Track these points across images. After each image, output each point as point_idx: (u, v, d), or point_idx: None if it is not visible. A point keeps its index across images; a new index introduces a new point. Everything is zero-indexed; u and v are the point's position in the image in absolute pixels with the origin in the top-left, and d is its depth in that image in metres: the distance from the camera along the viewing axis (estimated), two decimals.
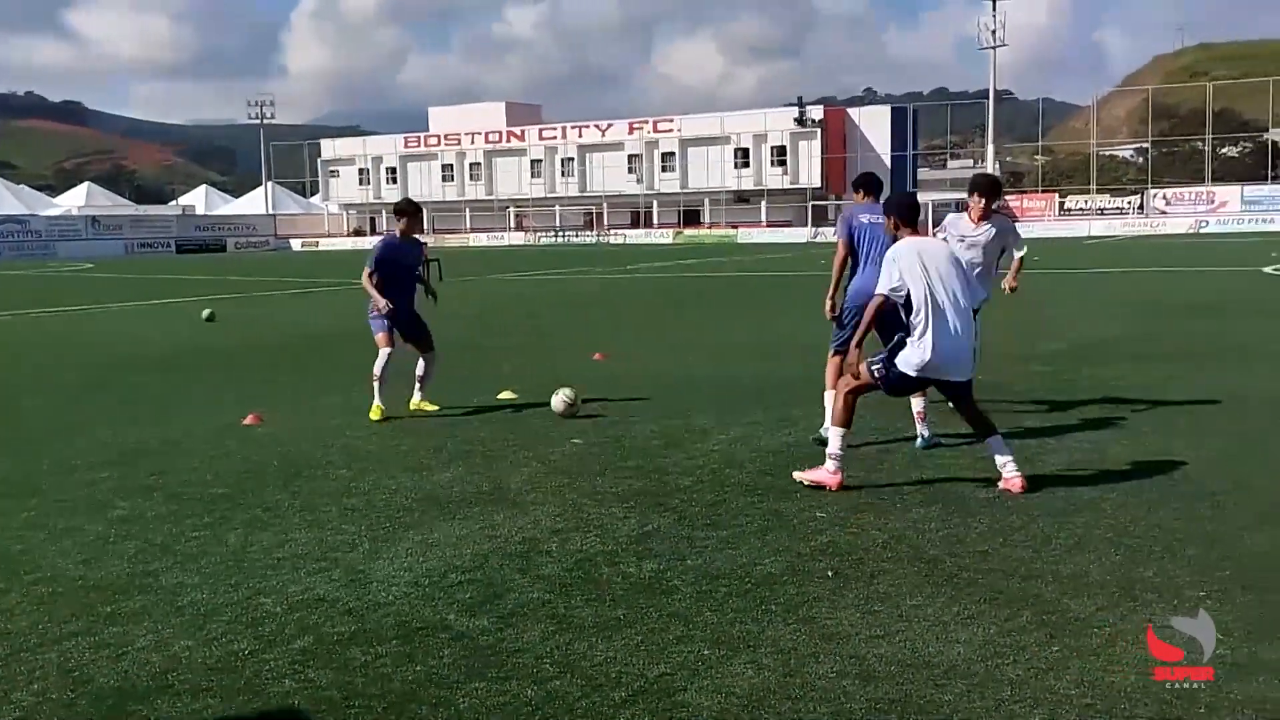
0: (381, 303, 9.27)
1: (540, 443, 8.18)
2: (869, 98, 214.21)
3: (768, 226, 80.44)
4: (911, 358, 6.37)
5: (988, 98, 78.89)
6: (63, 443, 8.71)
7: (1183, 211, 69.93)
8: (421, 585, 5.01)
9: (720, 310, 20.79)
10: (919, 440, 7.67)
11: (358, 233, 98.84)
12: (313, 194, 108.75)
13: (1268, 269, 26.83)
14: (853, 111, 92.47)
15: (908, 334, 6.42)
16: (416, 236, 9.84)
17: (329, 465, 7.63)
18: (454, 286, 30.45)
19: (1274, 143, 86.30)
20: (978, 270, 8.03)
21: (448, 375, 10.41)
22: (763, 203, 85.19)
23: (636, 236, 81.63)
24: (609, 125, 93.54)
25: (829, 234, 74.33)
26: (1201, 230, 64.19)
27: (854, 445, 7.68)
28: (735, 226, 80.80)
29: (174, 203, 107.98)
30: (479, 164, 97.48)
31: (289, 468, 7.58)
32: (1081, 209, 76.28)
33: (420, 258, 9.85)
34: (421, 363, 9.72)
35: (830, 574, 5.00)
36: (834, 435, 6.62)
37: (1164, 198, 73.11)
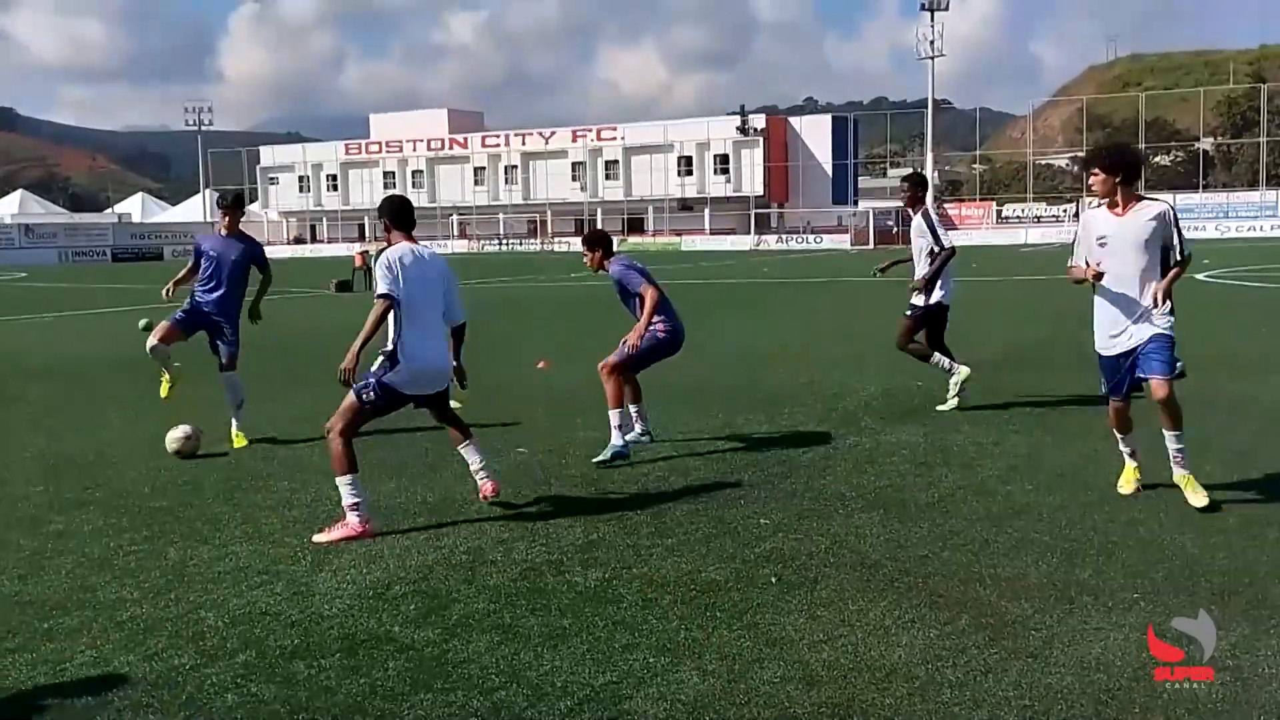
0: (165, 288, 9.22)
1: (484, 452, 8.15)
2: (810, 107, 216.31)
3: (711, 234, 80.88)
4: (402, 372, 6.12)
5: (926, 107, 80.00)
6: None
7: None
8: (366, 597, 4.98)
9: None
10: (634, 438, 7.91)
11: (298, 240, 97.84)
12: (252, 201, 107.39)
13: (1200, 275, 27.45)
14: (794, 120, 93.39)
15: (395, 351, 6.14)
16: (244, 232, 9.10)
17: (270, 477, 7.55)
18: None
19: (1205, 151, 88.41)
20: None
21: None
22: (706, 210, 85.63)
23: (576, 243, 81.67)
24: (552, 133, 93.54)
25: (771, 241, 74.95)
26: None
27: (796, 450, 7.78)
28: (679, 234, 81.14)
29: (109, 210, 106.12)
30: (421, 171, 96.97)
31: (229, 480, 7.49)
32: (1019, 217, 77.59)
33: (246, 258, 8.95)
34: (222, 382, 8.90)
35: (774, 580, 5.05)
36: (342, 485, 6.06)
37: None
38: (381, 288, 6.03)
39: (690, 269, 42.96)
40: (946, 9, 77.17)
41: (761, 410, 9.62)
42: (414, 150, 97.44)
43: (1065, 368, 11.87)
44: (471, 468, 6.48)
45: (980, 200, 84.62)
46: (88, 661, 4.29)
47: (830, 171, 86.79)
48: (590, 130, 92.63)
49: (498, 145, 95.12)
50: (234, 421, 8.83)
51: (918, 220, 9.74)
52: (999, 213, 78.88)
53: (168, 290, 9.28)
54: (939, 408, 9.39)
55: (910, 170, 10.14)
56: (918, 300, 9.55)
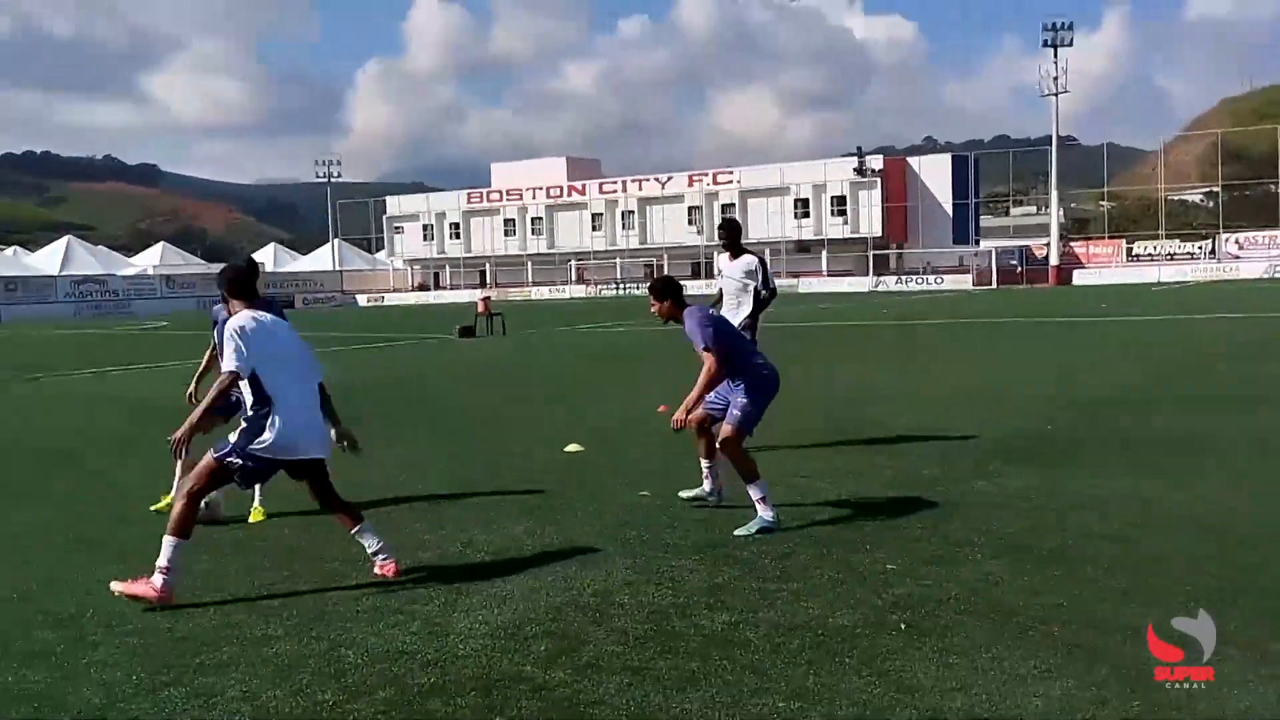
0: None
1: (608, 495, 8.27)
2: (929, 146, 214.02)
3: (829, 276, 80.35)
4: (268, 439, 5.93)
5: (1050, 144, 78.39)
6: (121, 495, 8.94)
7: (1256, 256, 68.74)
8: (498, 637, 5.09)
9: (781, 361, 20.79)
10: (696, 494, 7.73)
11: (422, 287, 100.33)
12: (378, 250, 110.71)
13: None
14: (913, 160, 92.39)
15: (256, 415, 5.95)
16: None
17: (401, 518, 7.76)
18: (519, 339, 30.83)
19: None
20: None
21: (514, 430, 10.52)
22: (823, 252, 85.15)
23: (697, 287, 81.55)
24: (669, 178, 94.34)
25: (890, 282, 74.10)
26: (1277, 275, 62.99)
27: (920, 495, 7.69)
28: (796, 276, 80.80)
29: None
30: (540, 218, 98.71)
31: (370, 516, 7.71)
32: (1150, 254, 75.26)
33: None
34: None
35: (904, 627, 5.00)
36: (166, 545, 5.83)
37: (1236, 242, 71.95)
38: (229, 363, 5.86)
39: (808, 311, 42.74)
40: (1070, 45, 75.67)
41: (884, 453, 9.53)
42: (533, 198, 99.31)
43: (1179, 407, 11.49)
44: (369, 551, 6.18)
45: (1109, 238, 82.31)
46: (238, 695, 4.48)
47: (950, 211, 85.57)
48: (706, 174, 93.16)
49: (615, 191, 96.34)
50: (256, 494, 8.03)
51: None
52: (1129, 250, 76.61)
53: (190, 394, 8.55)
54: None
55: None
56: None
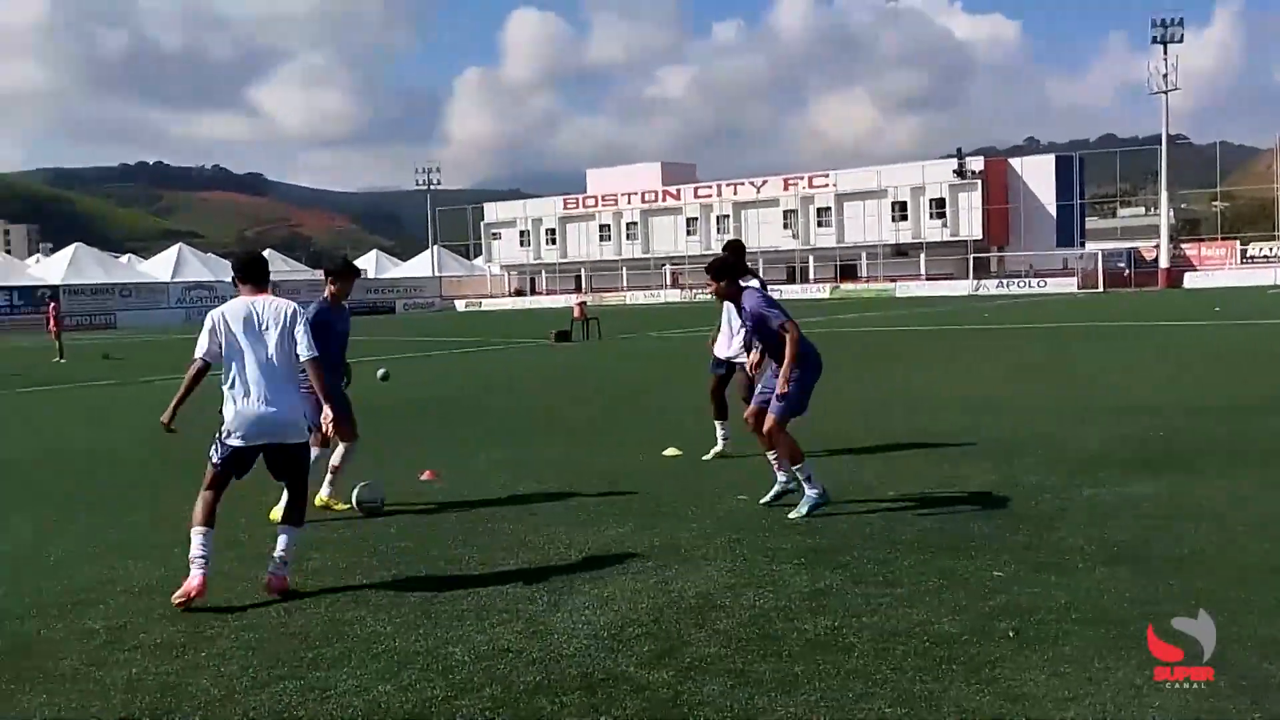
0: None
1: (707, 498, 8.27)
2: (1031, 147, 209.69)
3: (927, 280, 79.17)
4: (226, 426, 6.13)
5: (1160, 143, 76.16)
6: (235, 496, 9.20)
7: None
8: (601, 637, 5.13)
9: (878, 365, 20.56)
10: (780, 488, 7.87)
11: (519, 293, 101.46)
12: (475, 256, 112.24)
13: None
14: (1015, 161, 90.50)
15: None
16: (344, 303, 8.41)
17: (503, 520, 7.87)
18: (614, 344, 30.98)
19: None
20: None
21: (612, 433, 10.60)
22: (921, 255, 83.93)
23: (792, 292, 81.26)
24: (764, 182, 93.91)
25: (991, 286, 72.68)
26: None
27: (1027, 501, 7.55)
28: (893, 280, 79.79)
29: None
30: (635, 223, 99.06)
31: (466, 522, 7.86)
32: (1266, 256, 72.64)
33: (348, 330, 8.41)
34: (341, 451, 8.28)
35: (1012, 634, 4.92)
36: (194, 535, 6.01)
37: None
38: (197, 350, 6.13)
39: (907, 315, 42.19)
40: (1180, 41, 73.45)
41: (988, 459, 9.37)
42: (629, 203, 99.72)
43: None
44: (275, 551, 6.16)
45: (1222, 239, 79.64)
46: (349, 690, 4.59)
47: (1054, 213, 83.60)
48: (802, 178, 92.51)
49: (710, 196, 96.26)
50: (326, 488, 8.29)
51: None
52: (1243, 252, 74.03)
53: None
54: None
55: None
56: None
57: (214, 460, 6.17)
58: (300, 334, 6.27)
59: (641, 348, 29.75)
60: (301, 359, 6.28)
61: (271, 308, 6.33)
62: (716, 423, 10.27)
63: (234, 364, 6.16)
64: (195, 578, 5.88)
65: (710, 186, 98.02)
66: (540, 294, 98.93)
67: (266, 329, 6.22)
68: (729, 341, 10.03)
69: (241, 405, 6.09)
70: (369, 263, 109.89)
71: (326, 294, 8.23)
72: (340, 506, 8.30)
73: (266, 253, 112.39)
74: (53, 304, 36.97)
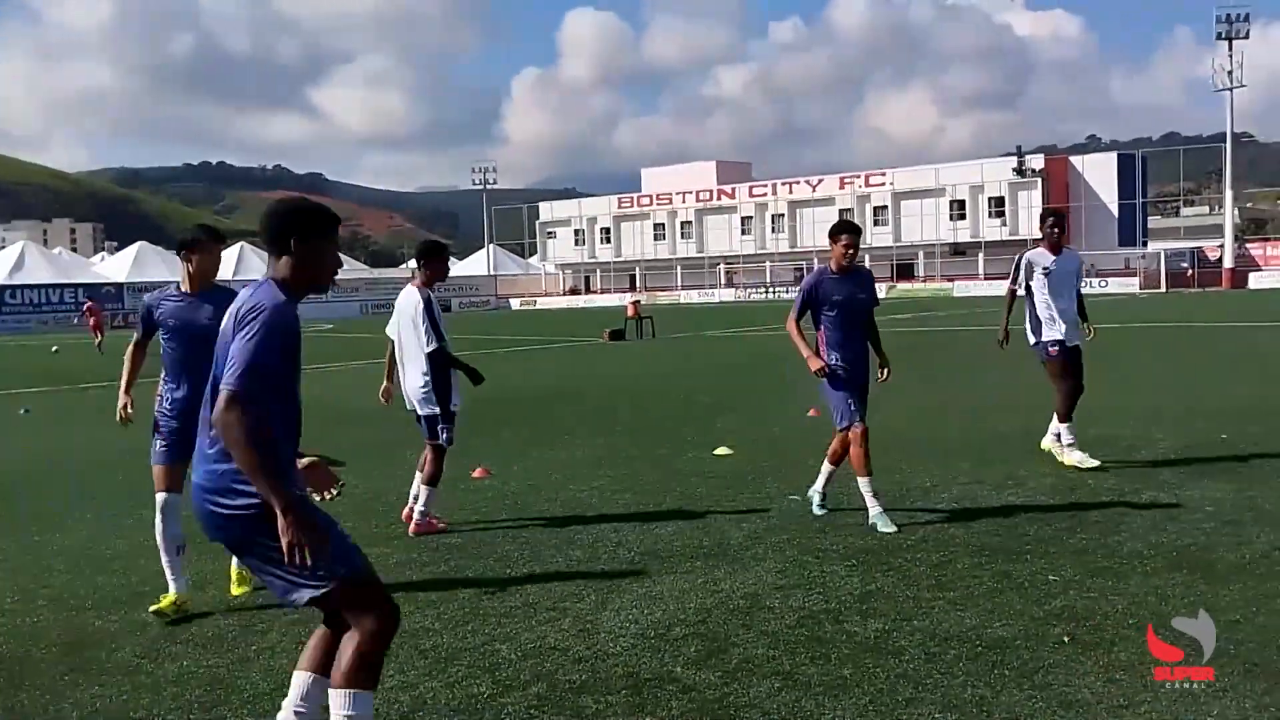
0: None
1: (758, 498, 8.22)
2: (1093, 145, 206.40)
3: (985, 279, 78.20)
4: None
5: (1225, 141, 74.58)
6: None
7: None
8: (648, 637, 5.11)
9: (934, 365, 20.33)
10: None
11: (573, 291, 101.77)
12: (531, 255, 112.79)
13: None
14: (1076, 160, 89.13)
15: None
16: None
17: (554, 518, 7.88)
18: (667, 342, 30.94)
19: None
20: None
21: (663, 432, 10.54)
22: (980, 255, 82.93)
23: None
24: (819, 180, 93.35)
25: None
26: None
27: (1085, 505, 7.42)
28: (951, 279, 78.93)
29: (405, 266, 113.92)
30: (690, 222, 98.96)
31: (516, 520, 7.87)
32: None
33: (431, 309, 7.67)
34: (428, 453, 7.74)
35: (1066, 640, 4.81)
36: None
37: None
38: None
39: (965, 315, 41.69)
40: (1246, 37, 71.88)
41: (1046, 462, 9.21)
42: (683, 202, 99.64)
43: None
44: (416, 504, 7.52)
45: None
46: (397, 685, 4.61)
47: (1116, 212, 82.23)
48: (858, 176, 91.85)
49: (765, 194, 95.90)
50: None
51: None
52: None
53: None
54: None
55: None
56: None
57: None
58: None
59: (695, 347, 29.68)
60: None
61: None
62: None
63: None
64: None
65: (765, 185, 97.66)
66: (594, 293, 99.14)
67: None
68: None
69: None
70: None
71: (420, 280, 7.80)
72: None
73: None
74: (90, 303, 41.65)
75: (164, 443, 5.90)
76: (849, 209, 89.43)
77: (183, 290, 6.07)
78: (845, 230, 7.33)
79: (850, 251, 7.29)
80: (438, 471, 7.61)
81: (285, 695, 4.51)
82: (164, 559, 5.87)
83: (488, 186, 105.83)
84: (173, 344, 5.93)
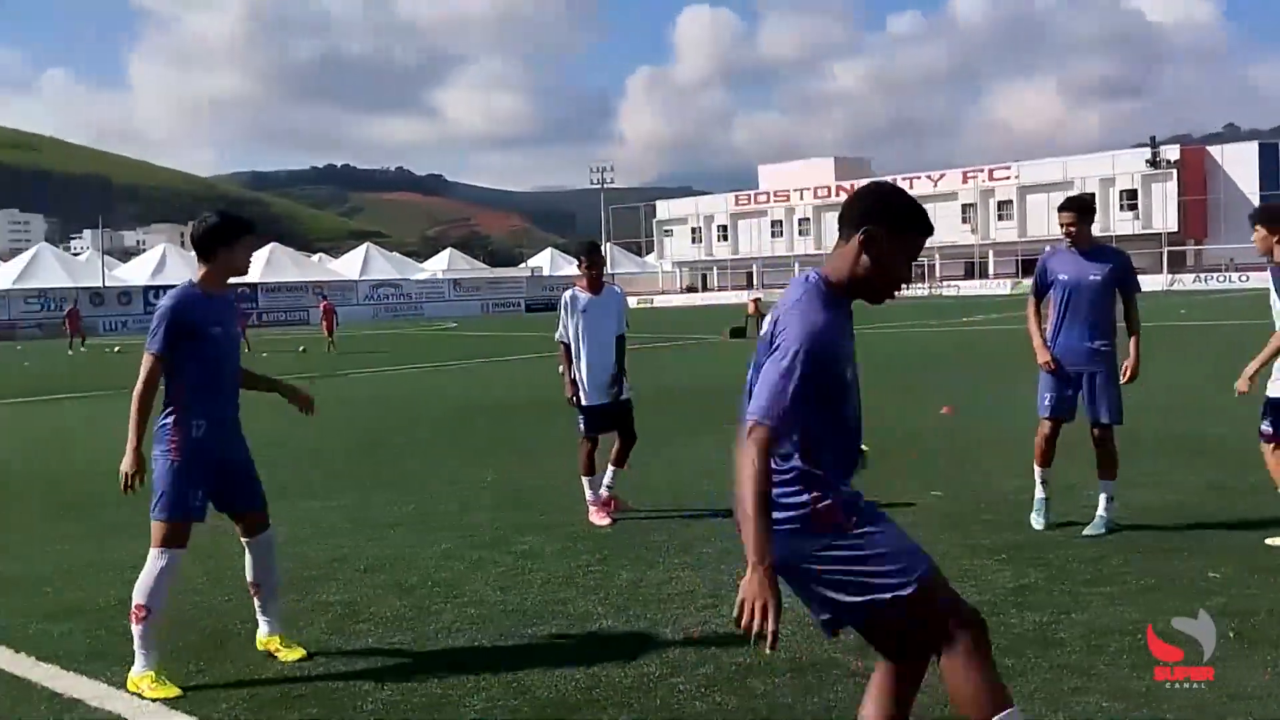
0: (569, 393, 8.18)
1: (899, 494, 8.27)
2: (1230, 134, 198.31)
3: None
4: None
5: None
6: (446, 482, 9.69)
7: None
8: (805, 624, 5.22)
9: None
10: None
11: (690, 289, 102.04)
12: (647, 253, 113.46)
13: None
14: (1213, 150, 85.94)
15: None
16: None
17: (702, 509, 8.06)
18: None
19: None
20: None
21: None
22: None
23: (970, 288, 79.34)
24: (941, 175, 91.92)
25: (1187, 281, 69.21)
26: None
27: (1247, 505, 7.30)
28: None
29: (523, 265, 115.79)
30: (808, 219, 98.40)
31: (663, 511, 8.09)
32: None
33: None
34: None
35: (1231, 634, 4.81)
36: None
37: None
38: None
39: None
40: None
41: (1205, 459, 9.07)
42: (800, 199, 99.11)
43: None
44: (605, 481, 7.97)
45: None
46: (572, 662, 4.85)
47: (1257, 204, 79.05)
48: (982, 170, 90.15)
49: None
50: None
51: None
52: None
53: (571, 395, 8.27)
54: None
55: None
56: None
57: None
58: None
59: None
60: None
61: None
62: None
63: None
64: (594, 514, 7.72)
65: (885, 180, 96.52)
66: (711, 290, 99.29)
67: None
68: None
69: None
70: (544, 260, 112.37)
71: (586, 279, 8.39)
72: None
73: (447, 252, 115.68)
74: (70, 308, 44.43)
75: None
76: (972, 204, 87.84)
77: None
78: (1064, 207, 6.88)
79: (1070, 229, 6.80)
80: (626, 453, 8.16)
81: (467, 668, 4.79)
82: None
83: (605, 186, 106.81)
84: None
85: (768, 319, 3.20)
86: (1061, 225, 6.89)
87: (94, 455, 12.02)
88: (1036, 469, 7.12)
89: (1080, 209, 6.88)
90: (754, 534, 2.92)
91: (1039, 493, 7.11)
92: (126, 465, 4.77)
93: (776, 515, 3.01)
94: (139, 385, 4.74)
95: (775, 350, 3.03)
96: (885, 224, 3.08)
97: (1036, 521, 7.03)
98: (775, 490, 3.02)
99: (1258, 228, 6.55)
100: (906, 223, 3.12)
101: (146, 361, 4.76)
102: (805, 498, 3.09)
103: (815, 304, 3.06)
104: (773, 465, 3.02)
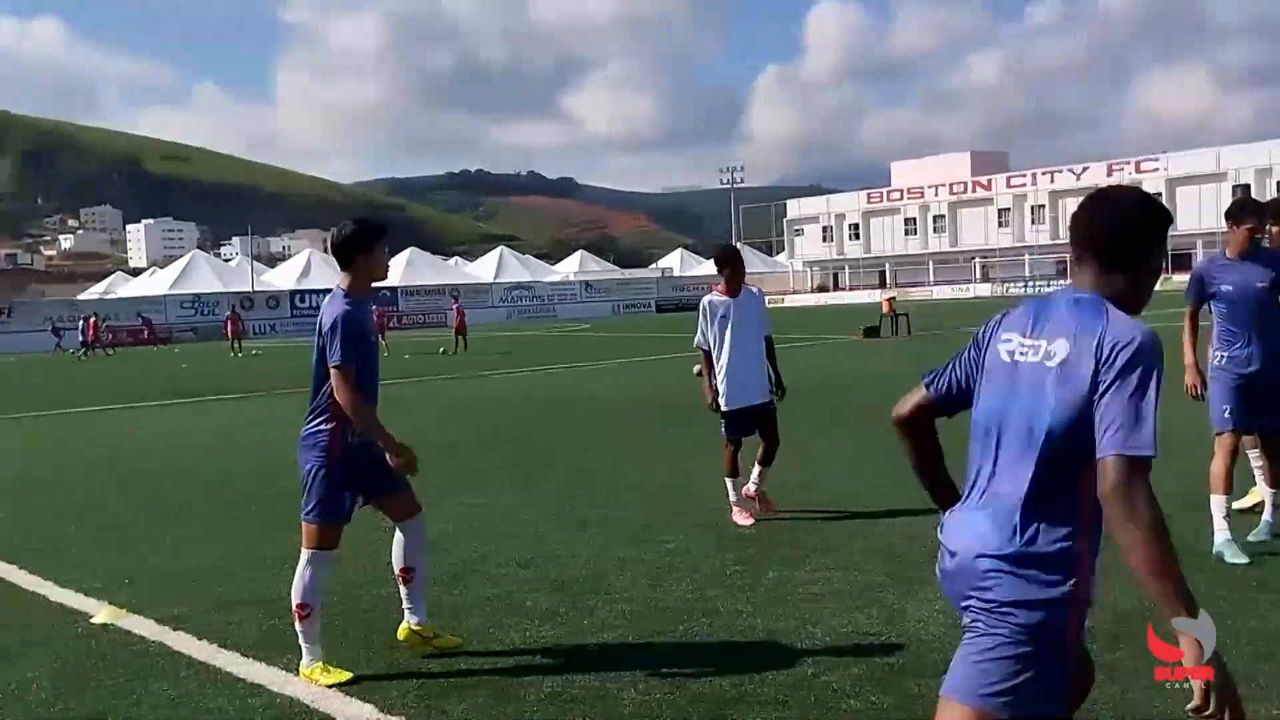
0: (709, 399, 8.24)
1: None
2: None
3: None
4: None
5: None
6: (590, 480, 9.87)
7: None
8: (955, 625, 5.23)
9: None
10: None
11: (821, 289, 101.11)
12: (778, 253, 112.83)
13: None
14: None
15: None
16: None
17: (841, 509, 8.07)
18: (925, 340, 30.40)
19: None
20: None
21: (946, 427, 10.47)
22: None
23: None
24: (1084, 169, 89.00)
25: None
26: None
27: None
28: None
29: (653, 266, 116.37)
30: (943, 216, 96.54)
31: (805, 512, 8.11)
32: None
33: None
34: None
35: None
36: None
37: None
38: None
39: None
40: None
41: None
42: (935, 195, 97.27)
43: None
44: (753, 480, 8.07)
45: None
46: (726, 661, 4.95)
47: None
48: (1128, 163, 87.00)
49: (1023, 185, 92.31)
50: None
51: None
52: None
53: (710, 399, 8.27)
54: None
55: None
56: None
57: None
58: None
59: (955, 343, 29.00)
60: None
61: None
62: None
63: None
64: (738, 514, 7.86)
65: (1024, 175, 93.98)
66: (843, 290, 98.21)
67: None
68: None
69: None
70: (673, 261, 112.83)
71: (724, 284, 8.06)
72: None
73: (578, 254, 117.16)
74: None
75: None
76: None
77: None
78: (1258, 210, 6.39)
79: (1262, 232, 6.32)
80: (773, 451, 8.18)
81: (622, 658, 4.92)
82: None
83: (734, 185, 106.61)
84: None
85: (1062, 342, 2.67)
86: (1251, 232, 6.33)
87: (263, 454, 12.63)
88: (1215, 500, 6.35)
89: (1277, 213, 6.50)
90: (1178, 593, 2.49)
91: (1222, 528, 6.28)
92: (407, 457, 4.97)
93: (1025, 597, 2.56)
94: (351, 398, 4.84)
95: (1124, 375, 2.51)
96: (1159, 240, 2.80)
97: (1239, 555, 6.16)
98: (1030, 569, 2.56)
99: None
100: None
101: (344, 374, 4.86)
102: (1068, 586, 2.57)
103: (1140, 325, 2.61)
104: (1039, 530, 2.58)
